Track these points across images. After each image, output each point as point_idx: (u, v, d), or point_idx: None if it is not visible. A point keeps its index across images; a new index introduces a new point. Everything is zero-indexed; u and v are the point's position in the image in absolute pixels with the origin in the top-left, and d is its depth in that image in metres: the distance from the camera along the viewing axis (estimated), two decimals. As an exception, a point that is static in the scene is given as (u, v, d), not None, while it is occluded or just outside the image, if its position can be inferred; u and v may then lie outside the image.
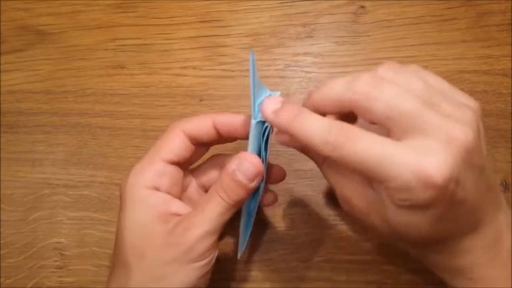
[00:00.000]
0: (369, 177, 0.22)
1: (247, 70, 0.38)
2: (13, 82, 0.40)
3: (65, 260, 0.35)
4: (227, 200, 0.25)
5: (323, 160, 0.26)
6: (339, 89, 0.23)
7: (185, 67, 0.39)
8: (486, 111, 0.36)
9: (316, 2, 0.39)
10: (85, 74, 0.39)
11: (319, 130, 0.22)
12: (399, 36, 0.38)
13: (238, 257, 0.31)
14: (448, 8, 0.38)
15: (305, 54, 0.38)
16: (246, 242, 0.30)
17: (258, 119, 0.25)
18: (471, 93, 0.36)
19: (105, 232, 0.36)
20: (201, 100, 0.38)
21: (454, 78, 0.36)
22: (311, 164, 0.35)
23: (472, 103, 0.22)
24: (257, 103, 0.26)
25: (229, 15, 0.39)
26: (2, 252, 0.36)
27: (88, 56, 0.40)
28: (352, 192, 0.25)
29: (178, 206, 0.27)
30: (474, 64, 0.37)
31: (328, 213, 0.34)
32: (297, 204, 0.35)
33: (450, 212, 0.21)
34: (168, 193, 0.27)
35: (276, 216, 0.35)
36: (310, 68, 0.38)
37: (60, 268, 0.35)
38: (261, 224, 0.35)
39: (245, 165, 0.25)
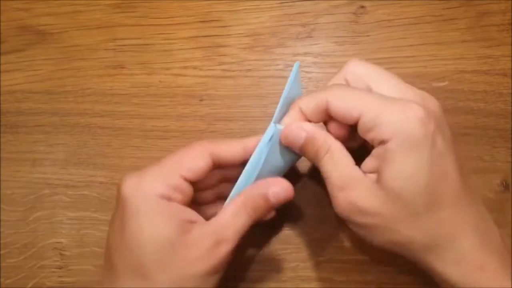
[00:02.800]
0: (360, 119, 0.25)
1: (247, 70, 0.38)
2: (13, 82, 0.40)
3: (65, 260, 0.35)
4: (254, 217, 0.27)
5: (326, 151, 0.26)
6: (336, 75, 0.29)
7: (185, 67, 0.39)
8: (486, 111, 0.36)
9: (316, 2, 0.39)
10: (85, 74, 0.39)
11: (321, 89, 0.28)
12: (399, 36, 0.38)
13: None
14: (448, 8, 0.38)
15: (305, 54, 0.38)
16: None
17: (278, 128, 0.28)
18: (471, 93, 0.36)
19: (105, 232, 0.35)
20: (201, 100, 0.38)
21: (454, 78, 0.36)
22: (310, 164, 0.35)
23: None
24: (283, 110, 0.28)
25: (229, 15, 0.39)
26: (2, 252, 0.36)
27: (88, 56, 0.40)
28: (352, 177, 0.26)
29: (190, 213, 0.27)
30: (474, 64, 0.37)
31: (328, 213, 0.34)
32: (297, 204, 0.35)
33: (438, 160, 0.24)
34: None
35: (276, 216, 0.35)
36: (310, 68, 0.38)
37: (60, 268, 0.35)
38: (261, 224, 0.35)
39: (277, 191, 0.27)
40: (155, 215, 0.25)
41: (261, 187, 0.27)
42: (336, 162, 0.26)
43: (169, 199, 0.26)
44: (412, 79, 0.36)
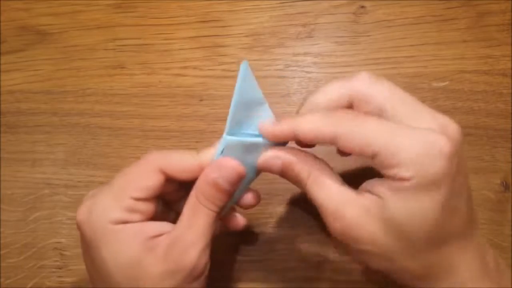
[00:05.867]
0: (377, 156, 0.22)
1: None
2: (13, 82, 0.40)
3: (65, 260, 0.35)
4: (213, 209, 0.25)
5: (308, 176, 0.24)
6: (339, 85, 0.24)
7: (185, 67, 0.39)
8: (486, 111, 0.36)
9: (316, 2, 0.39)
10: (85, 74, 0.39)
11: (323, 114, 0.23)
12: (399, 36, 0.38)
13: None
14: (448, 8, 0.38)
15: (305, 54, 0.38)
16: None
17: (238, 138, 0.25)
18: (471, 93, 0.36)
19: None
20: (201, 100, 0.38)
21: (454, 78, 0.36)
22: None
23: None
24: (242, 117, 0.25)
25: (229, 15, 0.39)
26: (2, 252, 0.36)
27: (88, 56, 0.40)
28: (341, 200, 0.23)
29: (154, 227, 0.25)
30: (474, 64, 0.37)
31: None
32: (297, 204, 0.35)
33: (452, 200, 0.22)
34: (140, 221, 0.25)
35: (276, 216, 0.35)
36: (310, 68, 0.38)
37: (60, 268, 0.35)
38: (261, 224, 0.35)
39: (226, 171, 0.25)
40: (112, 243, 0.24)
41: (207, 175, 0.25)
42: (321, 186, 0.24)
43: (124, 222, 0.24)
44: (412, 79, 0.36)
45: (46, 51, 0.40)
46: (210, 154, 0.26)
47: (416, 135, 0.21)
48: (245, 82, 0.25)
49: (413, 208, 0.21)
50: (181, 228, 0.25)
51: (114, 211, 0.24)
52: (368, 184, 0.24)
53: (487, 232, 0.33)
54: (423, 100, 0.36)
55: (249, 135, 0.26)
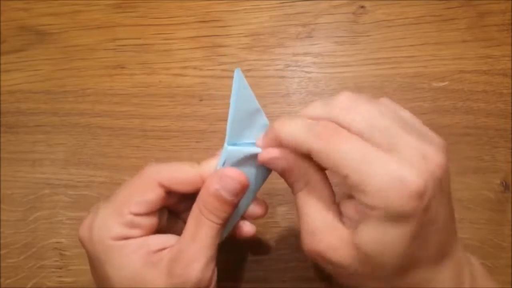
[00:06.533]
0: (347, 179, 0.21)
1: (247, 70, 0.38)
2: (13, 82, 0.40)
3: (65, 260, 0.35)
4: (217, 222, 0.24)
5: (305, 184, 0.24)
6: (319, 108, 0.23)
7: (185, 67, 0.39)
8: (486, 111, 0.36)
9: (316, 2, 0.39)
10: (85, 74, 0.39)
11: (304, 124, 0.23)
12: (399, 36, 0.38)
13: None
14: (448, 8, 0.38)
15: (305, 54, 0.38)
16: (227, 231, 0.28)
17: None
18: (471, 93, 0.36)
19: (105, 232, 0.36)
20: (201, 100, 0.38)
21: (454, 78, 0.36)
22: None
23: (439, 138, 0.23)
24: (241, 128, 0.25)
25: (229, 15, 0.39)
26: (2, 252, 0.36)
27: (88, 56, 0.40)
28: (323, 224, 0.23)
29: (157, 241, 0.25)
30: (474, 64, 0.37)
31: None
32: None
33: (423, 230, 0.21)
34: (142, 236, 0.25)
35: (276, 216, 0.35)
36: (310, 68, 0.38)
37: (60, 268, 0.35)
38: (261, 224, 0.35)
39: (228, 181, 0.24)
40: (115, 259, 0.24)
41: (208, 186, 0.24)
42: (310, 202, 0.24)
43: (125, 238, 0.24)
44: (412, 79, 0.36)
45: (46, 51, 0.40)
46: (211, 165, 0.25)
47: (386, 167, 0.20)
48: (240, 90, 0.24)
49: (381, 237, 0.21)
50: (185, 241, 0.24)
51: (114, 227, 0.24)
52: (345, 207, 0.23)
53: (487, 232, 0.34)
54: (423, 100, 0.35)
55: (250, 144, 0.25)
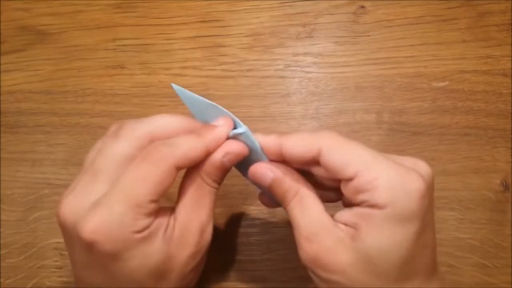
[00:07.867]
0: (355, 178, 0.22)
1: (247, 70, 0.38)
2: (13, 82, 0.40)
3: (65, 260, 0.35)
4: (217, 187, 0.26)
5: (294, 195, 0.25)
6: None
7: (185, 67, 0.39)
8: (486, 111, 0.36)
9: (316, 2, 0.39)
10: (85, 74, 0.39)
11: (309, 133, 0.24)
12: (399, 36, 0.38)
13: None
14: (448, 8, 0.38)
15: (305, 54, 0.38)
16: None
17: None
18: (471, 93, 0.36)
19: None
20: (201, 100, 0.38)
21: (454, 78, 0.36)
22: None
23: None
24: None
25: (229, 15, 0.39)
26: (2, 252, 0.36)
27: (88, 56, 0.40)
28: (319, 228, 0.24)
29: (162, 219, 0.25)
30: (474, 64, 0.37)
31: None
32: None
33: (424, 233, 0.22)
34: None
35: (276, 216, 0.35)
36: (310, 68, 0.38)
37: (60, 268, 0.35)
38: (261, 224, 0.35)
39: (232, 156, 0.25)
40: (139, 251, 0.23)
41: (215, 159, 0.25)
42: (304, 207, 0.24)
43: (148, 227, 0.23)
44: (412, 79, 0.36)
45: (46, 51, 0.40)
46: (216, 135, 0.25)
47: (396, 167, 0.22)
48: (188, 100, 0.27)
49: (386, 239, 0.22)
50: (190, 210, 0.25)
51: (138, 220, 0.23)
52: (340, 216, 0.24)
53: (487, 232, 0.34)
54: (423, 100, 0.35)
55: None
